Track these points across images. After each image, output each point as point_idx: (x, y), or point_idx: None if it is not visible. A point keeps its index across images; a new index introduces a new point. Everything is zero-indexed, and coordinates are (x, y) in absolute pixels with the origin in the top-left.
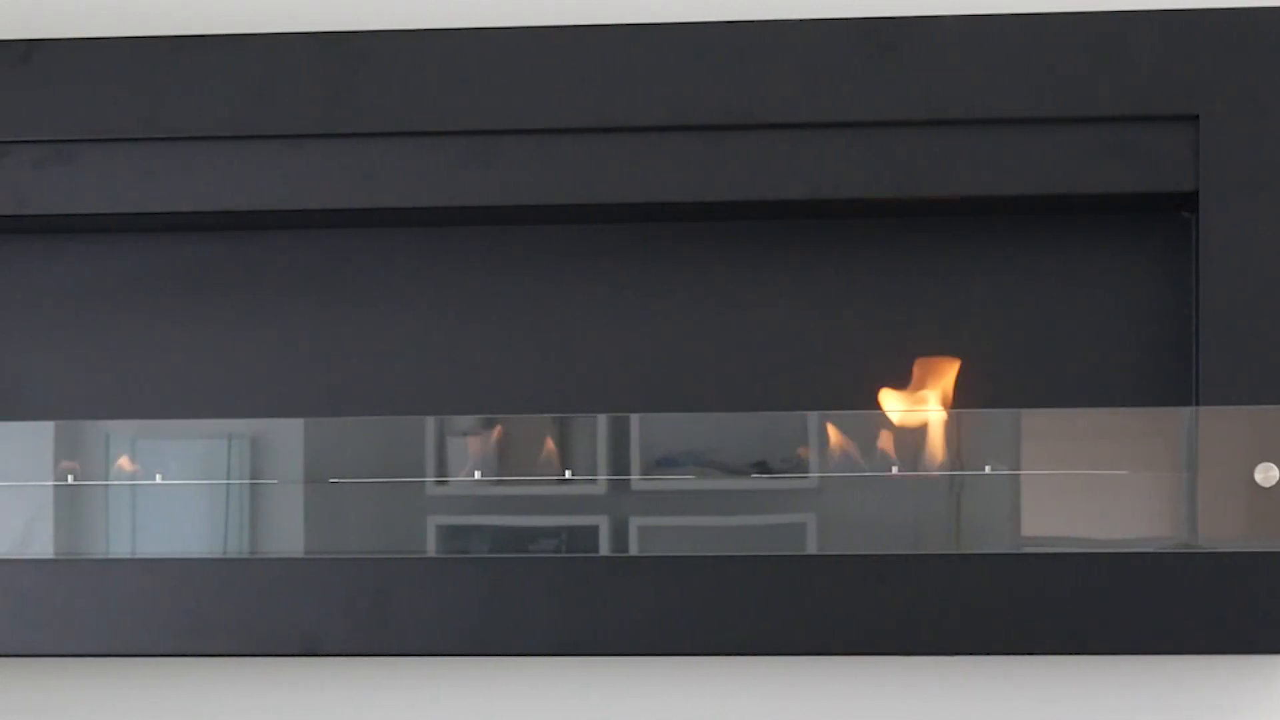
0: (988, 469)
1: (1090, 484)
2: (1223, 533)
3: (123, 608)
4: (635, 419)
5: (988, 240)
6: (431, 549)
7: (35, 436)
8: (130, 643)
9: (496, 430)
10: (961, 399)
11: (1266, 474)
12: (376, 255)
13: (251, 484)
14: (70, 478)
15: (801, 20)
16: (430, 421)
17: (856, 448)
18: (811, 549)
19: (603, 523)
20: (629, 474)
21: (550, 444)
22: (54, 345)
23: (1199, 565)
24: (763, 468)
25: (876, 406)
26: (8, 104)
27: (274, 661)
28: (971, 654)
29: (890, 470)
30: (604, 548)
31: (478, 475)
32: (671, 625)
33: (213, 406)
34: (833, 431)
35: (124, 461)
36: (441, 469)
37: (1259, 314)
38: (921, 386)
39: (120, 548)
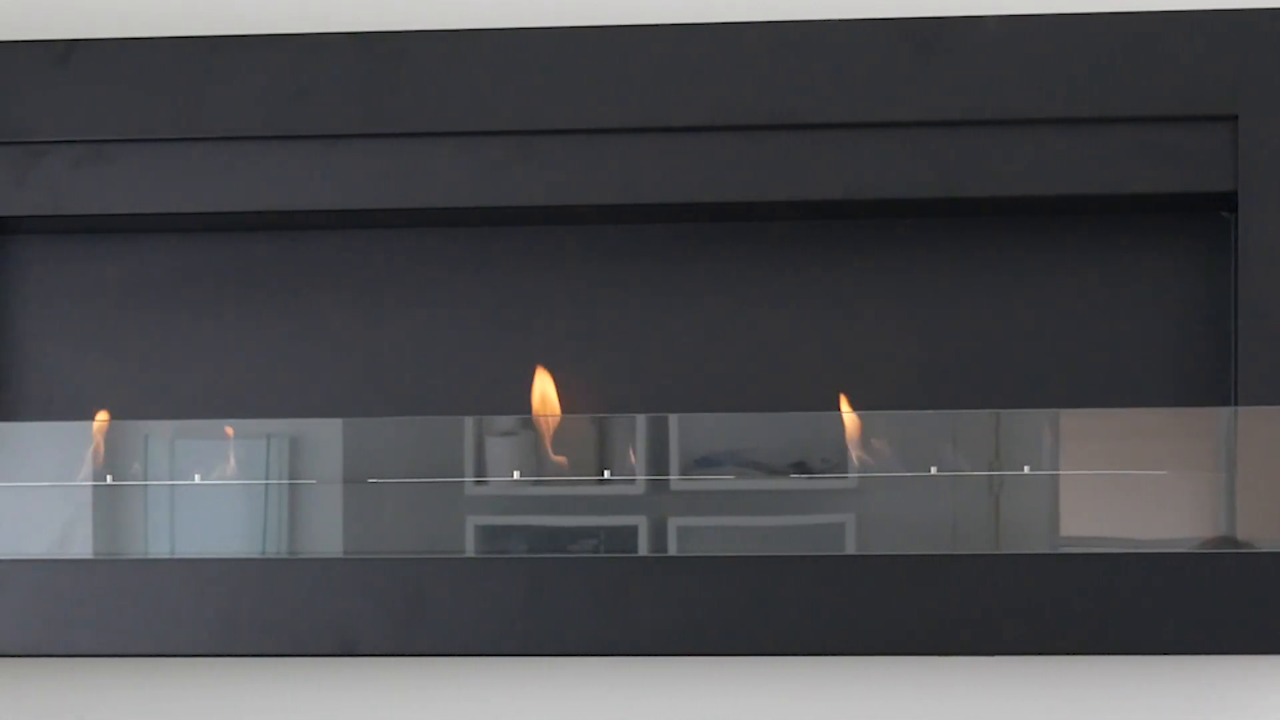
0: (1026, 469)
1: (1129, 484)
2: (1262, 533)
3: (161, 608)
4: (674, 419)
5: (1026, 240)
6: (470, 549)
7: (73, 436)
8: (168, 643)
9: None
10: (1001, 399)
11: None
12: (415, 255)
13: (290, 484)
14: (109, 478)
15: (840, 20)
16: (469, 421)
17: (895, 447)
18: (850, 549)
19: (641, 523)
20: (668, 474)
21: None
22: (92, 345)
23: (1238, 565)
24: (802, 468)
25: (916, 406)
26: (46, 104)
27: (312, 661)
28: (1010, 654)
29: (929, 470)
30: (643, 548)
31: (516, 475)
32: (710, 625)
33: (251, 406)
34: (869, 431)
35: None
36: (480, 469)
37: None
38: None
39: (159, 548)
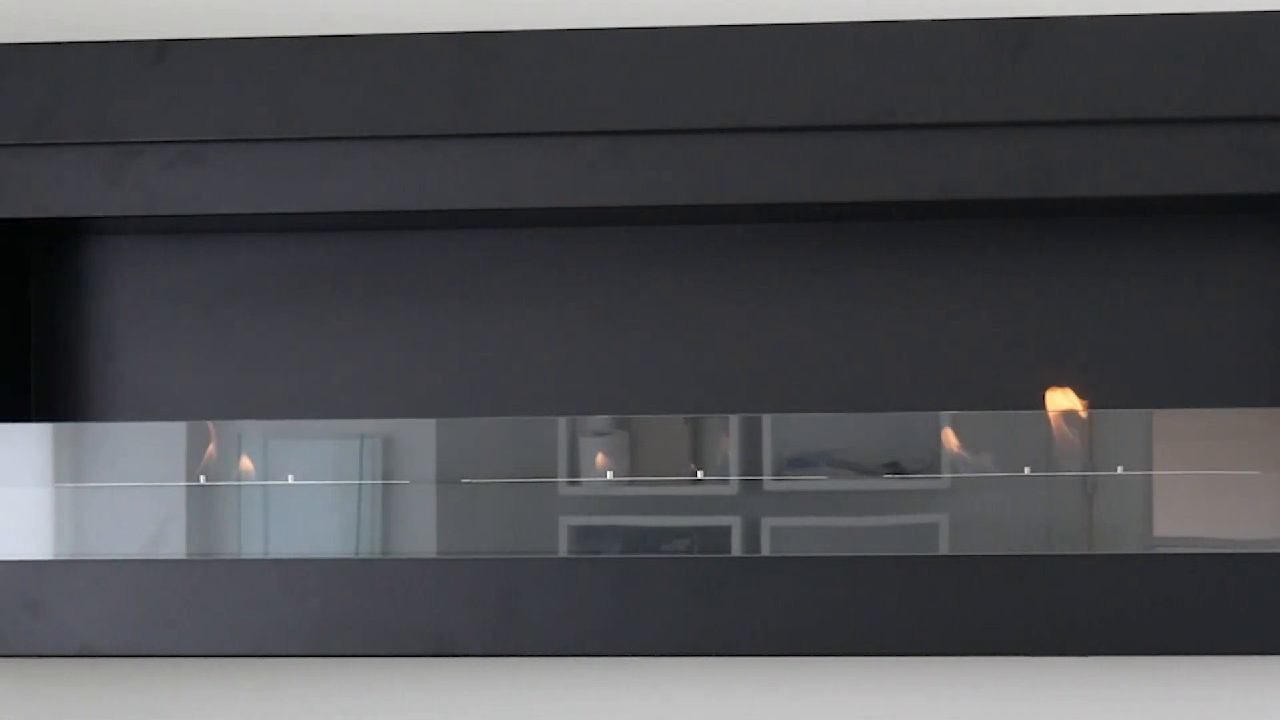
0: (1120, 469)
1: (1222, 484)
2: None
3: (255, 608)
4: (767, 419)
5: (1121, 240)
6: (563, 549)
7: (167, 437)
8: (262, 643)
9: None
10: (1095, 399)
11: None
12: (509, 255)
13: (384, 484)
14: (202, 478)
15: (934, 20)
16: (562, 422)
17: (987, 448)
18: (944, 549)
19: (735, 523)
20: (761, 474)
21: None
22: (186, 345)
23: None
24: (895, 468)
25: (1009, 406)
26: (139, 105)
27: (406, 662)
28: (1104, 655)
29: (1023, 470)
30: (736, 548)
31: (610, 475)
32: (804, 626)
33: (345, 407)
34: (959, 432)
35: (245, 462)
36: (574, 469)
37: None
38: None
39: (252, 548)
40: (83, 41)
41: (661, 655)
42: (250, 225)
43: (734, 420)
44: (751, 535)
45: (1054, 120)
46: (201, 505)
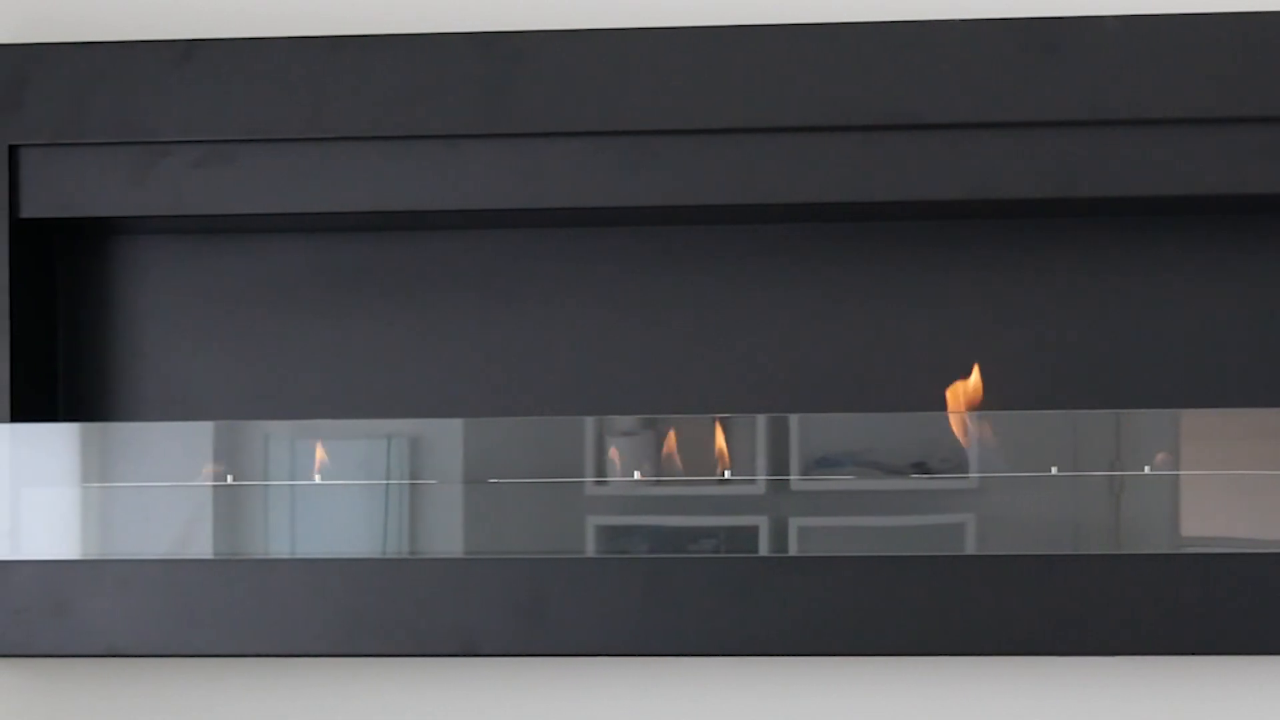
0: (1147, 469)
1: (1251, 484)
2: None
3: (281, 608)
4: (794, 419)
5: (1149, 240)
6: (590, 549)
7: (194, 437)
8: (289, 643)
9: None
10: (1122, 399)
11: None
12: (536, 255)
13: (411, 484)
14: (229, 478)
15: (963, 20)
16: (589, 422)
17: (1014, 447)
18: (970, 549)
19: (762, 523)
20: (788, 474)
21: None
22: (213, 345)
23: None
24: (922, 468)
25: (1037, 406)
26: (167, 104)
27: (433, 661)
28: (1131, 654)
29: (1050, 470)
30: (763, 548)
31: (637, 475)
32: (831, 625)
33: (372, 406)
34: (990, 431)
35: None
36: (600, 469)
37: None
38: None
39: (279, 548)
40: (110, 41)
41: (688, 655)
42: (277, 225)
43: (761, 420)
44: (779, 535)
45: (1081, 120)
46: (228, 505)
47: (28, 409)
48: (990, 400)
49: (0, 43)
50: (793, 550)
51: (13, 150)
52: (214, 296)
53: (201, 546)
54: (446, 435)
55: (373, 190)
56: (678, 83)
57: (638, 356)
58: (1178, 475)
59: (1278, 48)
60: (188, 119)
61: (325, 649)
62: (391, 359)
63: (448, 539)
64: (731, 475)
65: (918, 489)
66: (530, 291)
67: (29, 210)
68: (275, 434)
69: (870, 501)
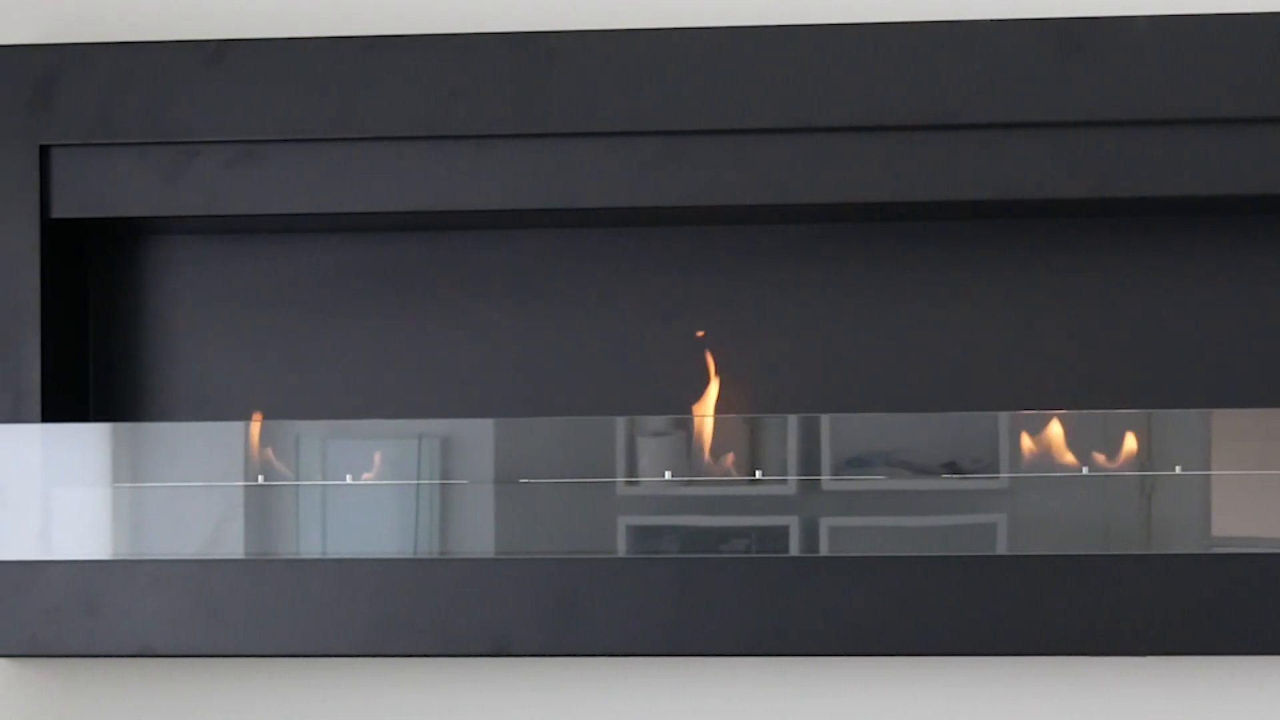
0: (1178, 469)
1: None
2: None
3: (312, 608)
4: (825, 419)
5: (1178, 240)
6: (622, 549)
7: (226, 437)
8: (320, 643)
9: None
10: (1153, 399)
11: None
12: (567, 255)
13: (442, 484)
14: (260, 478)
15: (992, 20)
16: (620, 422)
17: (1046, 448)
18: (1002, 549)
19: (793, 523)
20: (819, 474)
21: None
22: (244, 345)
23: None
24: (953, 468)
25: (1069, 406)
26: (198, 104)
27: (464, 662)
28: (1162, 654)
29: (1081, 470)
30: (794, 548)
31: (668, 475)
32: (862, 625)
33: (403, 407)
34: (1024, 433)
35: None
36: (632, 469)
37: None
38: None
39: (310, 548)
40: (141, 42)
41: (719, 655)
42: (308, 225)
43: (793, 420)
44: (810, 535)
45: (1110, 120)
46: (259, 505)
47: (59, 409)
48: (1021, 400)
49: (31, 43)
50: (824, 550)
51: (44, 151)
52: (245, 296)
53: (232, 546)
54: (478, 435)
55: (404, 190)
56: (709, 83)
57: (668, 356)
58: (1209, 475)
59: None
60: (219, 119)
61: (356, 649)
62: (422, 359)
63: (479, 539)
64: (763, 475)
65: (948, 489)
66: (561, 291)
67: (60, 210)
68: (306, 434)
69: (901, 502)
